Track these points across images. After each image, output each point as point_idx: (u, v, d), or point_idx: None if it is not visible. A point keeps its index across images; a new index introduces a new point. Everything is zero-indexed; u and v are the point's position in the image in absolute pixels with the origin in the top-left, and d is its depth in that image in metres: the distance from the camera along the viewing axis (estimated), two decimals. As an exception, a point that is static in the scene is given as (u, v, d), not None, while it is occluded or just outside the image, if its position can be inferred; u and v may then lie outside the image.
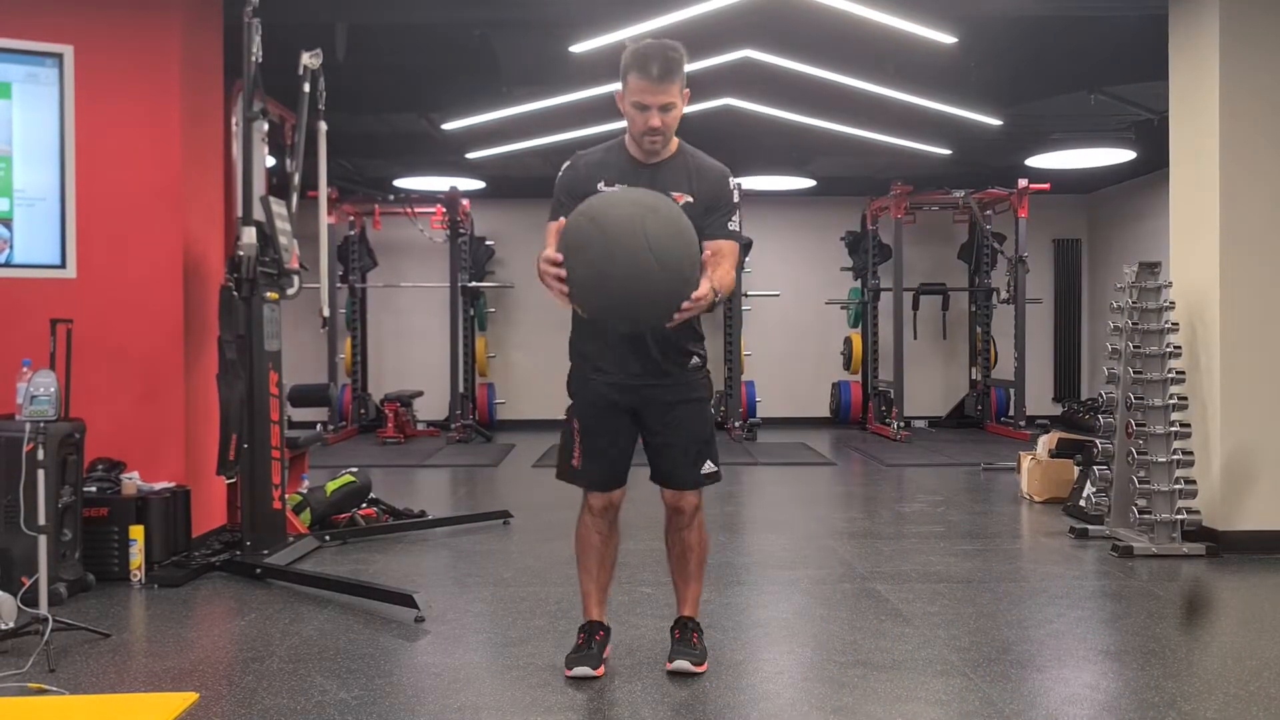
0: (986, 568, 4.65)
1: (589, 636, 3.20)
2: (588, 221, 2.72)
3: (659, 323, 2.77)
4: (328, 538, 5.21)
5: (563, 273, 2.72)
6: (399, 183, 10.78)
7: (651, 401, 3.07)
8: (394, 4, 5.79)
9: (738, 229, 3.05)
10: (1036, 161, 9.79)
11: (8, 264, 4.00)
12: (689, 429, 3.10)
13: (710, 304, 2.77)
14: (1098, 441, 5.35)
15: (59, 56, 4.02)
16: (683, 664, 3.15)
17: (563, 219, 2.87)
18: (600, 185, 2.98)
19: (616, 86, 3.00)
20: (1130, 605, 4.04)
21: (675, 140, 3.04)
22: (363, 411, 11.12)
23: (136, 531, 4.39)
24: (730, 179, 3.07)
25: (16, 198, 3.99)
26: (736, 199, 3.06)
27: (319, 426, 10.18)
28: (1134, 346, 5.11)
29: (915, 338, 11.28)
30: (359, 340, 11.45)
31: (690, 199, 2.97)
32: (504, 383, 11.93)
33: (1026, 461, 6.53)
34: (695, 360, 3.11)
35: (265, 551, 4.59)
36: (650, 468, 3.20)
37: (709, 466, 3.14)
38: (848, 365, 11.48)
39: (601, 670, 3.16)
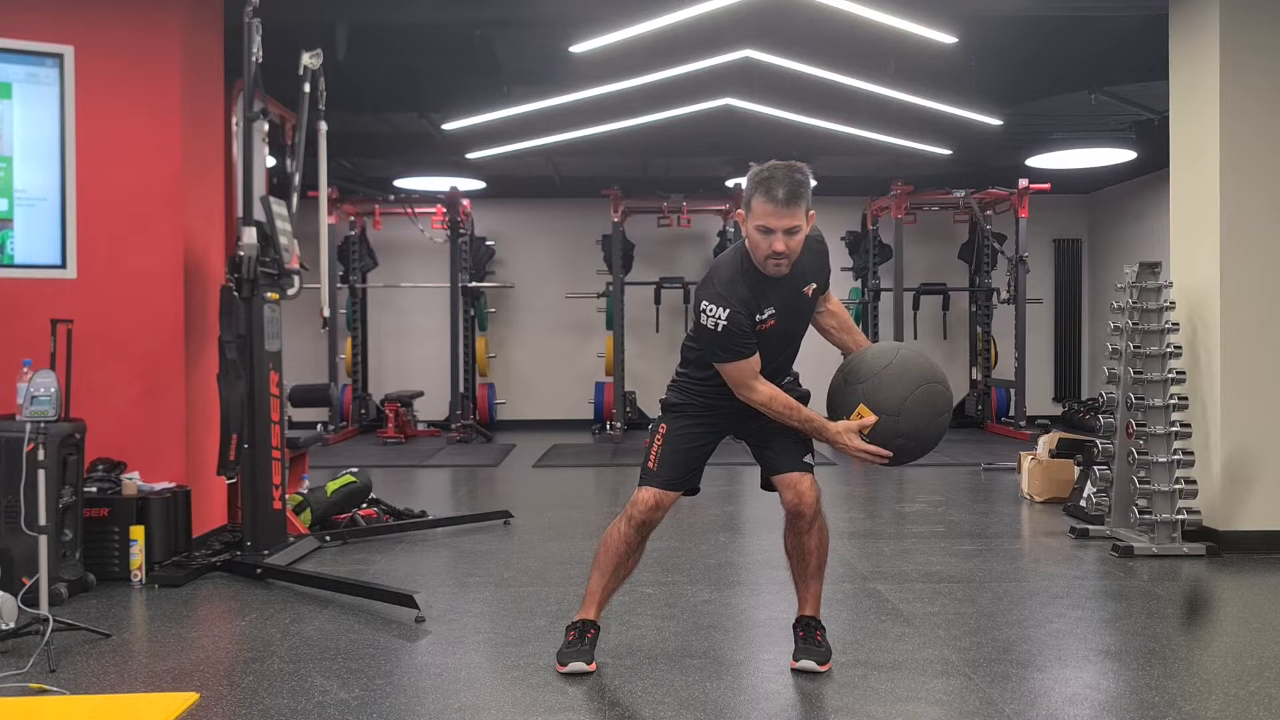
0: (987, 568, 4.65)
1: (580, 634, 3.23)
2: (904, 440, 3.00)
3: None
4: (328, 538, 5.21)
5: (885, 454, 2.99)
6: (399, 183, 10.79)
7: (752, 426, 3.18)
8: (394, 4, 5.79)
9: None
10: (1037, 161, 9.79)
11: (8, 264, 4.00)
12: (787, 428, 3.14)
13: None
14: (1098, 441, 5.35)
15: (59, 57, 4.02)
16: (808, 663, 3.19)
17: (755, 358, 3.03)
18: (757, 317, 3.03)
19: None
20: (1130, 605, 4.04)
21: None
22: (363, 411, 11.12)
23: (137, 532, 4.39)
24: (822, 241, 3.20)
25: (17, 198, 3.99)
26: (827, 250, 3.22)
27: (319, 427, 10.17)
28: (1134, 346, 5.11)
29: (916, 338, 11.28)
30: (359, 340, 11.45)
31: (815, 285, 3.15)
32: (504, 383, 11.93)
33: (1027, 461, 6.53)
34: (788, 379, 3.24)
35: (266, 551, 4.59)
36: (762, 470, 3.23)
37: (809, 457, 3.19)
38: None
39: (594, 666, 3.19)
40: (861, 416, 2.98)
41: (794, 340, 3.17)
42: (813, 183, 2.99)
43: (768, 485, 3.23)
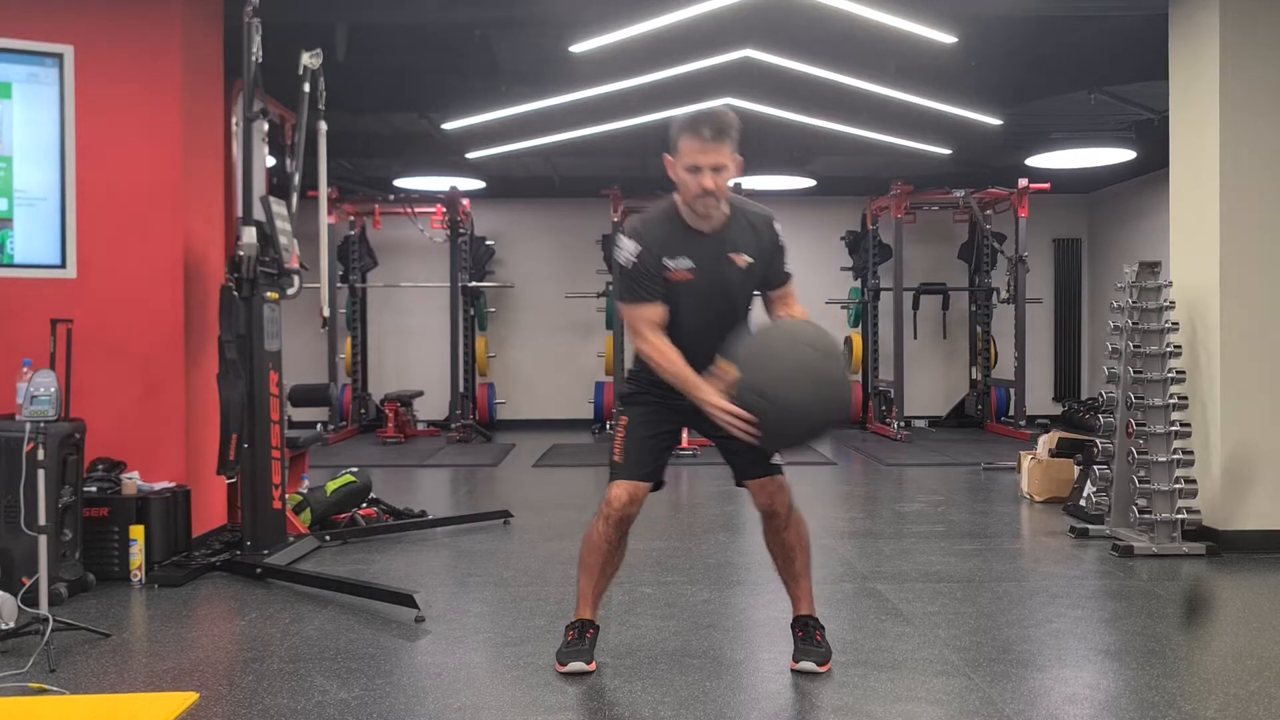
0: (987, 567, 4.65)
1: (580, 633, 3.22)
2: (758, 398, 2.78)
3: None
4: (328, 538, 5.21)
5: (749, 421, 2.80)
6: (399, 183, 10.79)
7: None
8: (394, 4, 5.79)
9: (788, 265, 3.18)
10: (1037, 161, 9.79)
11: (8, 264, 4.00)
12: None
13: None
14: (1098, 441, 5.35)
15: (59, 57, 4.02)
16: (808, 664, 3.18)
17: (655, 306, 2.98)
18: (665, 260, 3.00)
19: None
20: (1130, 605, 4.04)
21: (728, 201, 3.06)
22: (363, 411, 11.12)
23: (137, 531, 4.39)
24: (776, 223, 3.14)
25: (16, 198, 3.98)
26: (783, 240, 3.15)
27: (319, 426, 10.17)
28: (1134, 346, 5.11)
29: (915, 337, 11.28)
30: (359, 340, 11.45)
31: (751, 259, 3.07)
32: (504, 383, 11.93)
33: (1027, 461, 6.53)
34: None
35: (265, 551, 4.59)
36: (732, 471, 3.22)
37: (777, 457, 3.15)
38: (848, 365, 11.48)
39: (593, 665, 3.18)
40: (724, 375, 2.84)
41: (720, 313, 3.08)
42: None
43: (740, 483, 3.24)
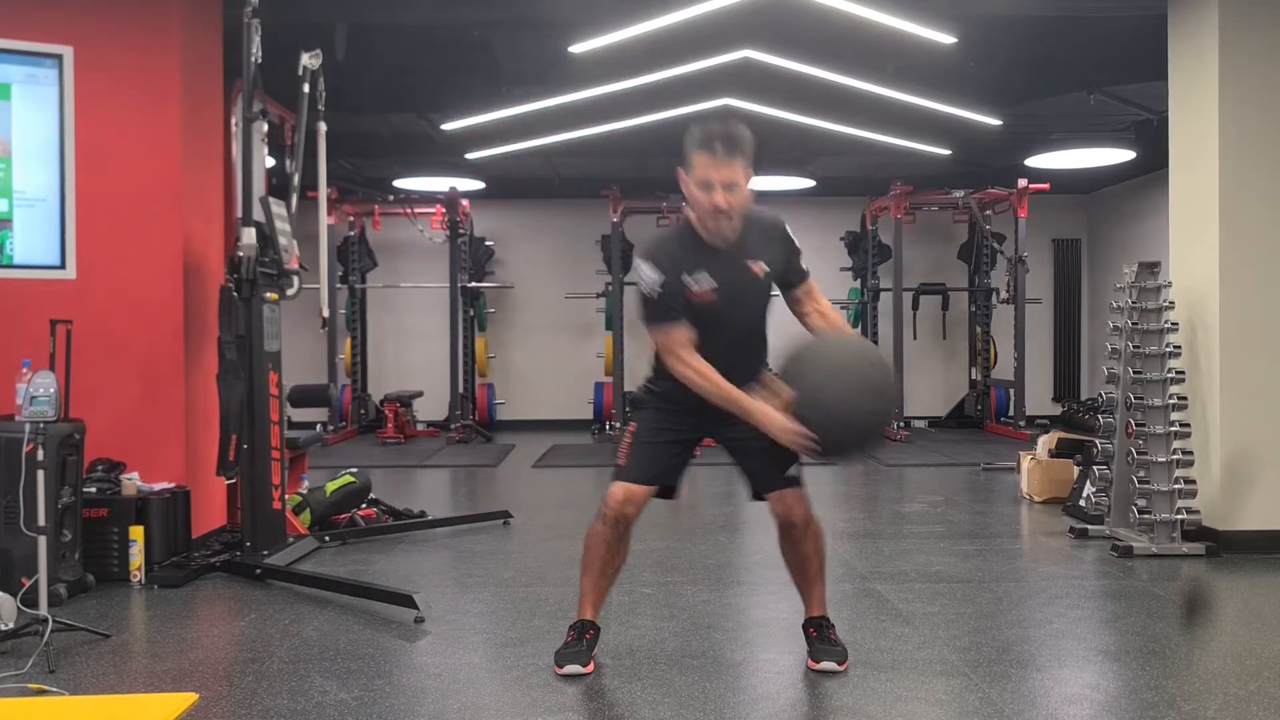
0: (986, 568, 4.65)
1: (579, 634, 3.22)
2: (822, 415, 2.79)
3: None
4: (328, 538, 5.21)
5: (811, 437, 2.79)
6: (399, 183, 10.79)
7: (725, 429, 3.10)
8: (394, 4, 5.79)
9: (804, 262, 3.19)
10: (1036, 161, 9.79)
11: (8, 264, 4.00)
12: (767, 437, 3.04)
13: None
14: (1097, 441, 5.35)
15: (59, 57, 4.02)
16: (829, 664, 3.17)
17: (685, 326, 2.97)
18: (685, 279, 2.98)
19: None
20: (1130, 605, 4.04)
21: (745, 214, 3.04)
22: (363, 412, 11.12)
23: (136, 532, 4.39)
24: (787, 225, 3.15)
25: (16, 198, 3.98)
26: (796, 239, 3.16)
27: (319, 427, 10.17)
28: (1134, 346, 5.11)
29: (915, 338, 11.28)
30: (359, 341, 11.45)
31: (768, 267, 3.07)
32: (504, 383, 11.93)
33: (1026, 461, 6.53)
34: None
35: (265, 552, 4.59)
36: (748, 483, 3.21)
37: (794, 470, 3.12)
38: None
39: (591, 667, 3.18)
40: (779, 393, 2.84)
41: (743, 326, 3.08)
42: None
43: (758, 497, 3.22)
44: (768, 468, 3.09)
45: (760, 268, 3.06)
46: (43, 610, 3.41)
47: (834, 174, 10.78)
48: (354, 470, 5.86)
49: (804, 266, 3.18)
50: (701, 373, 2.95)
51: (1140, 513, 4.88)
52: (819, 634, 3.24)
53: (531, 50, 7.00)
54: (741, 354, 3.06)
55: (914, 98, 7.50)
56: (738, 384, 2.94)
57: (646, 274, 2.99)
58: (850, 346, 2.97)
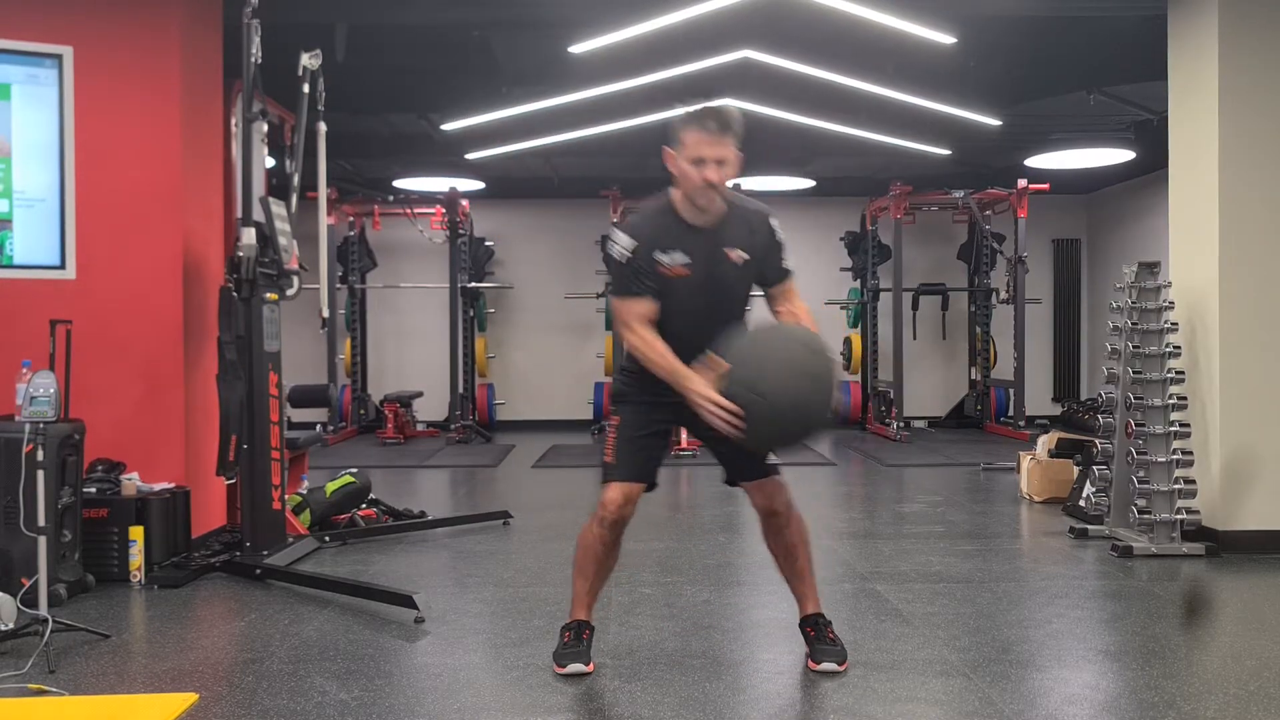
0: (986, 568, 4.65)
1: (576, 634, 3.22)
2: (747, 392, 2.76)
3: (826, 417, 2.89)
4: (327, 538, 5.21)
5: (735, 414, 2.77)
6: (399, 183, 10.79)
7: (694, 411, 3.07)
8: (394, 4, 5.79)
9: (787, 262, 3.15)
10: (1036, 161, 9.79)
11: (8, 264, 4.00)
12: None
13: None
14: (1097, 441, 5.35)
15: (58, 57, 4.02)
16: (829, 665, 3.17)
17: (646, 301, 3.00)
18: (659, 255, 3.00)
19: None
20: (1130, 605, 4.04)
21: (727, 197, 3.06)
22: (362, 412, 11.12)
23: (136, 532, 4.39)
24: (773, 219, 3.13)
25: (16, 198, 3.99)
26: (781, 235, 3.13)
27: (319, 427, 10.18)
28: (1133, 346, 5.11)
29: (915, 338, 11.28)
30: (359, 341, 11.45)
31: (747, 256, 3.07)
32: (504, 383, 11.93)
33: (1026, 461, 6.53)
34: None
35: (265, 552, 4.59)
36: (724, 470, 3.22)
37: (772, 456, 3.14)
38: (847, 365, 11.48)
39: (592, 666, 3.18)
40: (716, 367, 2.83)
41: (715, 309, 3.06)
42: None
43: (732, 483, 3.23)
44: (745, 455, 3.08)
45: (739, 255, 3.06)
46: (43, 610, 3.41)
47: (834, 174, 10.78)
48: (354, 470, 5.86)
49: (786, 265, 3.15)
50: (647, 341, 2.99)
51: (1140, 513, 4.88)
52: (817, 633, 3.22)
53: (531, 50, 7.00)
54: (710, 336, 2.99)
55: (914, 98, 7.51)
56: (691, 357, 2.96)
57: (620, 239, 3.03)
58: (794, 332, 2.95)
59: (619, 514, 3.10)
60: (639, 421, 3.13)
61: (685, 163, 2.95)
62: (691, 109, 2.99)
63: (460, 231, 10.59)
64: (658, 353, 2.97)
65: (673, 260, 3.01)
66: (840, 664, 3.18)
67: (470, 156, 9.33)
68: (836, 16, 5.74)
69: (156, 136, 4.79)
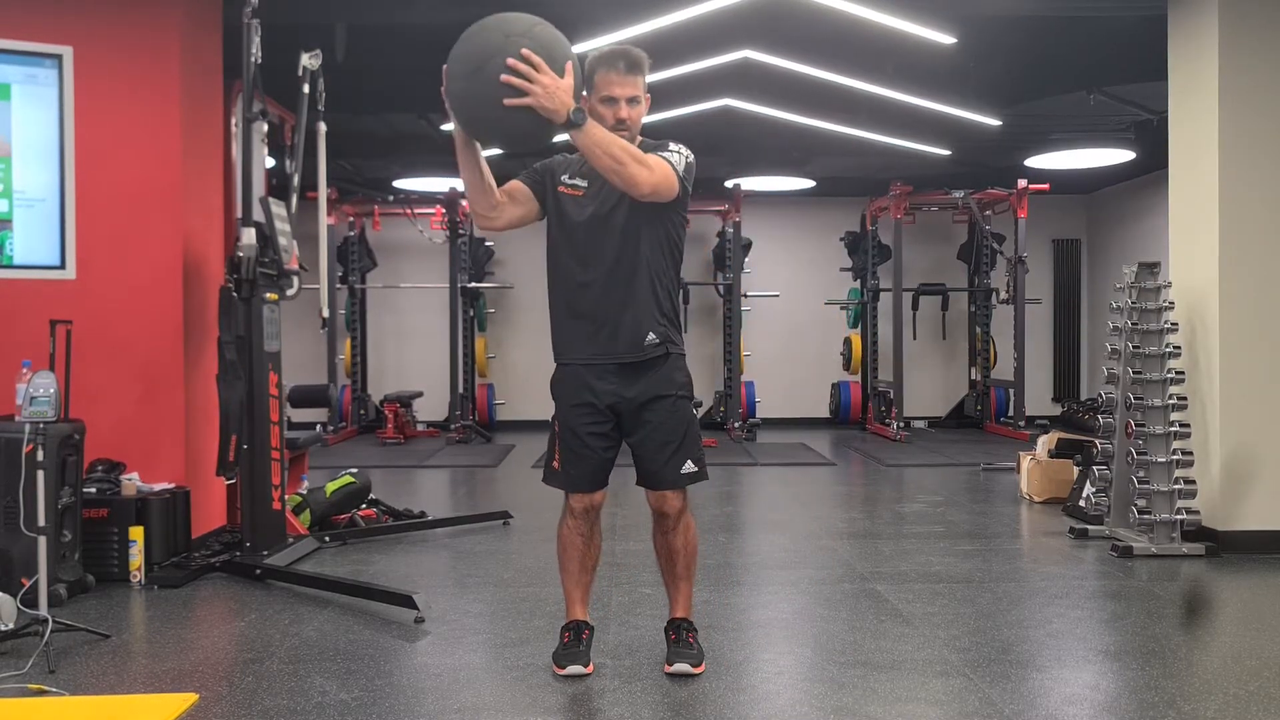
0: (986, 568, 4.66)
1: (575, 635, 3.23)
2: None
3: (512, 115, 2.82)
4: (327, 538, 5.21)
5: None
6: (398, 183, 10.78)
7: (625, 401, 3.17)
8: (394, 4, 5.79)
9: (677, 160, 3.05)
10: (1036, 162, 9.79)
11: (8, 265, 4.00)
12: (664, 427, 3.14)
13: (566, 115, 2.78)
14: (1097, 441, 5.35)
15: (58, 57, 4.02)
16: (682, 666, 3.17)
17: (518, 183, 3.23)
18: (564, 177, 3.18)
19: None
20: (1130, 605, 4.04)
21: (638, 140, 3.10)
22: (362, 412, 11.12)
23: (136, 532, 4.39)
24: (675, 143, 3.13)
25: (16, 198, 3.98)
26: (675, 147, 3.10)
27: (319, 427, 10.18)
28: (1133, 346, 5.11)
29: (915, 338, 11.28)
30: (359, 341, 11.45)
31: None
32: (503, 383, 11.92)
33: (1026, 461, 6.53)
34: (651, 338, 3.16)
35: (265, 552, 4.59)
36: (637, 472, 3.24)
37: (689, 466, 3.16)
38: (847, 365, 11.48)
39: (591, 667, 3.18)
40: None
41: (622, 250, 3.13)
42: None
43: (641, 484, 3.26)
44: (658, 468, 3.15)
45: None
46: (43, 610, 3.41)
47: (834, 174, 10.78)
48: (354, 470, 5.86)
49: (662, 153, 3.04)
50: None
51: (1140, 513, 4.88)
52: (678, 637, 3.23)
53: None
54: (618, 282, 3.16)
55: (914, 98, 7.51)
56: (615, 312, 3.16)
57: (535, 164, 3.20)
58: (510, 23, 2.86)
59: (585, 504, 3.22)
60: (576, 426, 3.26)
61: (597, 102, 3.03)
62: (600, 49, 3.07)
63: (460, 231, 10.59)
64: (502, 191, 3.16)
65: (573, 183, 3.16)
66: (695, 666, 3.18)
67: (470, 156, 9.31)
68: (836, 16, 5.74)
69: (156, 136, 4.79)
